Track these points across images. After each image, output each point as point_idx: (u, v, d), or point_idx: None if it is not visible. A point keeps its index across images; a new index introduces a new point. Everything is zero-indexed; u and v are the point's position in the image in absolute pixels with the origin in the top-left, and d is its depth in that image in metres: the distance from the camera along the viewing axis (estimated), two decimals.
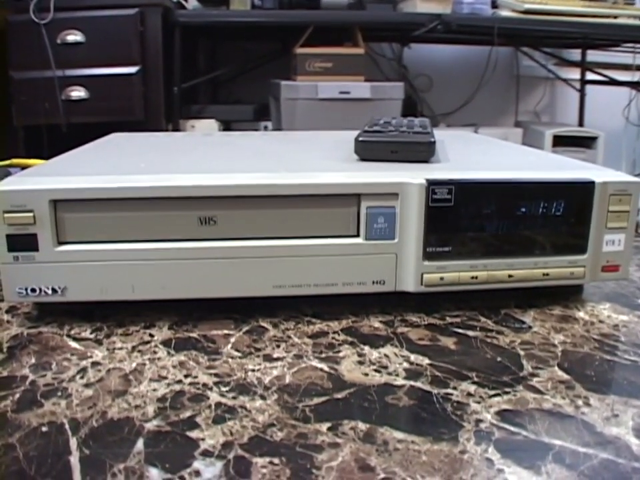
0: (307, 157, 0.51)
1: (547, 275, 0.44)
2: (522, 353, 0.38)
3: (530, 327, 0.42)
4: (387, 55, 2.43)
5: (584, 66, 2.47)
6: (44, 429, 0.29)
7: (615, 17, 1.98)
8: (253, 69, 2.23)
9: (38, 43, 1.61)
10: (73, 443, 0.28)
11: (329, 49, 1.85)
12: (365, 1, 1.90)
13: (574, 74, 2.54)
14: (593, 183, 0.43)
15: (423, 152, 0.47)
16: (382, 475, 0.26)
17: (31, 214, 0.38)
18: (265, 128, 1.99)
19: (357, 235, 0.41)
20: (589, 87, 2.51)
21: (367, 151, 0.47)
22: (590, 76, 2.48)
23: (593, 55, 2.47)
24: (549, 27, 1.94)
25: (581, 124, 2.52)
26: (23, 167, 0.65)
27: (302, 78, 1.85)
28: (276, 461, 0.27)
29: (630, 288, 0.49)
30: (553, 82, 2.65)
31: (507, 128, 2.34)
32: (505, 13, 1.96)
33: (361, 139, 0.47)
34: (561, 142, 2.18)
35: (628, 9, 2.02)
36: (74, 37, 1.65)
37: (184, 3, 1.88)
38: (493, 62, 2.31)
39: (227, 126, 1.96)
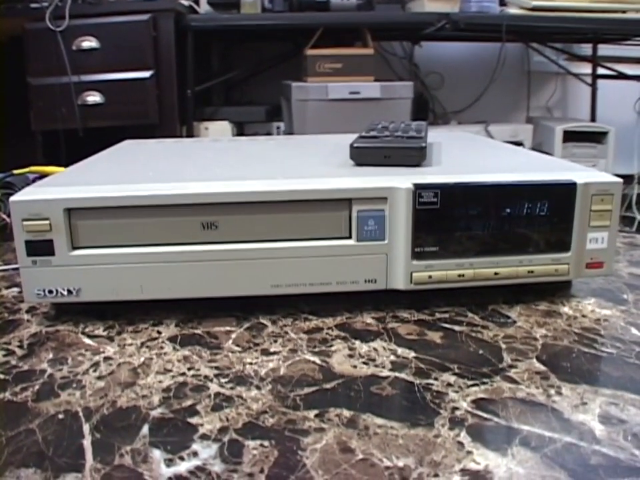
0: (305, 162, 0.54)
1: (532, 272, 0.46)
2: (504, 346, 0.40)
3: (514, 322, 0.44)
4: (398, 53, 2.45)
5: (595, 61, 2.47)
6: (60, 416, 0.32)
7: (624, 12, 1.98)
8: (265, 71, 2.26)
9: (54, 50, 1.66)
10: (86, 428, 0.31)
11: (338, 49, 1.87)
12: (374, 1, 1.92)
13: (585, 69, 2.54)
14: (574, 184, 0.45)
15: (414, 156, 0.49)
16: (360, 456, 0.29)
17: (47, 222, 0.41)
18: (278, 129, 2.02)
19: (349, 237, 0.44)
20: (600, 82, 2.51)
21: (362, 157, 0.50)
22: (601, 70, 2.47)
23: (604, 49, 2.46)
24: (557, 23, 1.94)
25: (593, 119, 2.51)
26: (41, 174, 0.68)
27: (312, 79, 1.87)
28: (266, 443, 0.30)
29: (617, 283, 0.51)
30: (564, 77, 2.65)
31: (518, 124, 2.34)
32: (512, 11, 1.96)
33: (355, 145, 0.50)
34: (571, 137, 2.18)
35: (636, 3, 2.01)
36: (89, 43, 1.69)
37: (196, 7, 1.91)
38: (504, 58, 2.31)
39: (240, 127, 1.99)
